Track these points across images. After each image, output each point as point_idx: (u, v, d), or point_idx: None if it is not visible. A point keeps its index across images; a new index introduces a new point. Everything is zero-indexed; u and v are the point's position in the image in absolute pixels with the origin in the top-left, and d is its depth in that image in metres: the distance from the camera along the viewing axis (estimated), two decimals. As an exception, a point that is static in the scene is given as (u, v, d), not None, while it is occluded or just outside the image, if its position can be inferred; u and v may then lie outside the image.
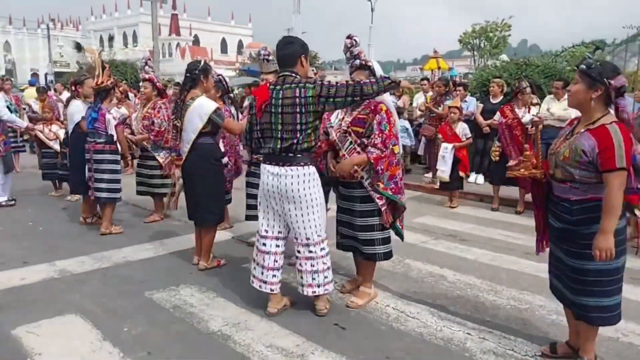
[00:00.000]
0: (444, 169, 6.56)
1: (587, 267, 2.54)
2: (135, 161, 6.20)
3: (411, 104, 9.68)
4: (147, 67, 5.63)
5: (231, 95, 5.87)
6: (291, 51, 3.18)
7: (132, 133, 5.68)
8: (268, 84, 3.28)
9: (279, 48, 3.22)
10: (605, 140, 2.39)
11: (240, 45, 62.40)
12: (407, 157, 9.03)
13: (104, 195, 5.20)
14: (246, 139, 3.58)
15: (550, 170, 2.70)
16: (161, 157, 5.55)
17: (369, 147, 3.28)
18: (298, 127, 3.11)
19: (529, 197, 3.15)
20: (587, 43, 10.63)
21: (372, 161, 3.24)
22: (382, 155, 3.25)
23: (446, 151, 6.55)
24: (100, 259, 4.50)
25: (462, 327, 3.28)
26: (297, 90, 3.07)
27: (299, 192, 3.18)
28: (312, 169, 3.25)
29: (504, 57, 17.96)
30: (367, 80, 3.17)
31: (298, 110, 3.08)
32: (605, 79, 2.43)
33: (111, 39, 29.98)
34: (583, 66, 2.50)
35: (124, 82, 12.09)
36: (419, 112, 9.08)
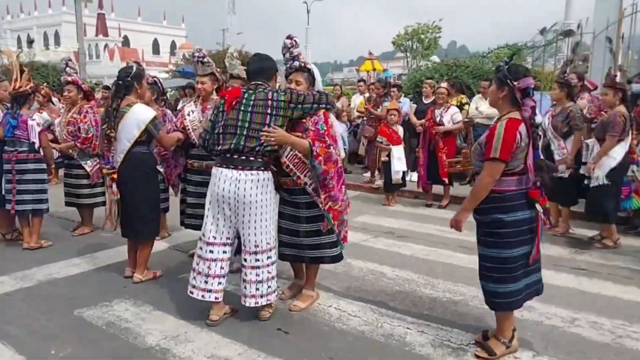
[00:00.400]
0: (399, 171, 6.71)
1: (486, 253, 2.81)
2: (61, 170, 5.84)
3: (349, 105, 9.83)
4: (68, 69, 5.25)
5: (166, 97, 5.70)
6: (269, 66, 3.36)
7: (56, 140, 5.34)
8: (240, 87, 3.38)
9: (256, 61, 3.39)
10: (491, 134, 2.69)
11: (173, 46, 60.65)
12: (346, 157, 9.16)
13: (29, 207, 4.86)
14: (204, 139, 3.44)
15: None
16: (88, 165, 5.24)
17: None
18: (266, 127, 3.14)
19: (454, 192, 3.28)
20: (510, 45, 11.25)
21: (310, 142, 3.18)
22: (320, 139, 3.21)
23: (399, 153, 6.72)
24: (23, 277, 4.18)
25: (402, 322, 3.37)
26: (270, 94, 3.19)
27: (255, 197, 3.16)
28: (269, 174, 3.24)
29: (435, 58, 18.66)
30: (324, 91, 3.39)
31: (269, 112, 3.15)
32: (509, 81, 2.70)
33: (31, 42, 27.99)
34: (495, 69, 2.86)
35: (44, 84, 11.41)
36: (356, 114, 9.24)
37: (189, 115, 4.41)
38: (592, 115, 5.70)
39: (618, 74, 6.93)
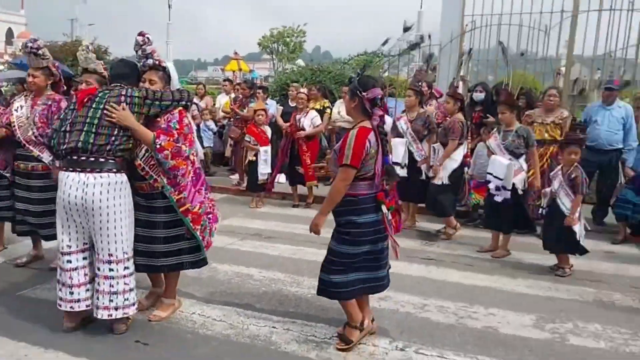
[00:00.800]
0: (265, 172, 6.69)
1: (335, 248, 3.00)
2: None
3: (214, 104, 9.62)
4: None
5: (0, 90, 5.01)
6: (131, 71, 3.25)
7: None
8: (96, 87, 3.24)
9: (121, 65, 3.34)
10: (344, 142, 2.87)
11: (10, 34, 53.56)
12: (210, 158, 8.95)
13: None
14: (50, 138, 3.15)
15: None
16: None
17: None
18: (117, 125, 2.94)
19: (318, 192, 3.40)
20: (369, 53, 12.00)
21: (155, 134, 3.01)
22: (166, 133, 3.05)
23: (266, 154, 6.69)
24: None
25: (268, 322, 3.38)
26: (124, 91, 3.06)
27: (106, 202, 2.91)
28: (123, 177, 3.00)
29: (301, 62, 19.11)
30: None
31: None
32: (359, 92, 2.89)
33: None
34: (348, 80, 3.03)
35: None
36: (222, 114, 9.07)
37: (17, 110, 3.99)
38: (438, 120, 6.31)
39: (460, 84, 7.81)
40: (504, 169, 4.76)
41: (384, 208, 2.95)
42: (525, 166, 4.84)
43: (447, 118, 5.76)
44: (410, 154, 5.73)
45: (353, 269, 2.98)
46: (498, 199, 4.84)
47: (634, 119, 6.08)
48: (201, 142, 8.04)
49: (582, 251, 4.46)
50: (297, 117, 6.80)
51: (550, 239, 4.53)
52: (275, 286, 4.04)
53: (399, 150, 5.73)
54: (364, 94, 2.87)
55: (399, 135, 5.79)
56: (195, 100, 8.68)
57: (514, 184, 4.76)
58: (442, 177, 5.39)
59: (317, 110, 7.23)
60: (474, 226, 5.98)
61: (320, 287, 3.05)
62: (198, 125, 8.09)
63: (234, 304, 3.67)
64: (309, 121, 6.79)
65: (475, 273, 4.48)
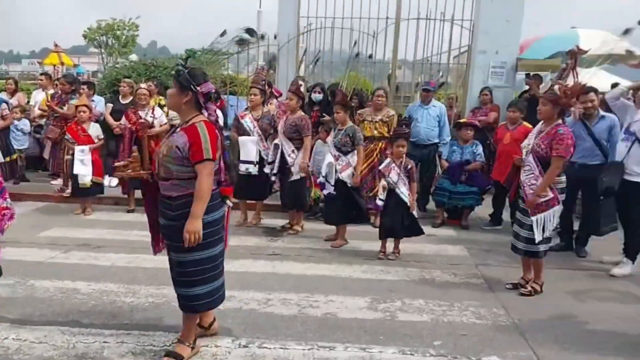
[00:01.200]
0: (84, 174, 6.01)
1: (187, 258, 2.74)
2: None
3: (28, 102, 8.45)
4: None
5: None
6: None
7: None
8: None
9: None
10: (194, 136, 2.66)
11: None
12: (22, 162, 7.82)
13: None
14: None
15: (156, 169, 2.82)
16: None
17: None
18: None
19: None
20: (207, 50, 11.72)
21: None
22: None
23: (83, 154, 6.02)
24: None
25: (99, 337, 3.07)
26: None
27: None
28: None
29: (134, 57, 17.88)
30: None
31: None
32: (192, 86, 2.71)
33: None
34: (174, 73, 2.77)
35: None
36: (38, 112, 8.02)
37: None
38: (279, 117, 6.41)
39: (301, 83, 8.06)
40: (326, 167, 5.16)
41: (229, 202, 2.87)
42: (353, 162, 5.16)
43: (288, 116, 5.86)
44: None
45: (217, 273, 2.83)
46: (325, 192, 5.22)
47: (447, 117, 6.94)
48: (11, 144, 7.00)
49: (422, 232, 4.96)
50: (141, 113, 6.29)
51: (396, 226, 4.85)
52: (107, 298, 3.68)
53: (249, 148, 5.67)
54: (198, 88, 2.71)
55: (246, 133, 5.74)
56: (3, 97, 7.53)
57: (340, 179, 5.09)
58: (297, 172, 5.50)
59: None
60: (315, 219, 6.22)
61: (181, 302, 2.84)
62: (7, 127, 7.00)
63: (58, 322, 3.26)
64: (158, 118, 6.36)
65: (317, 264, 4.65)
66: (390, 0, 7.91)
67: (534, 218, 3.89)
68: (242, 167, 5.65)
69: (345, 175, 5.09)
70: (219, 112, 6.31)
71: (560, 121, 3.88)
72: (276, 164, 5.59)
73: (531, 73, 8.17)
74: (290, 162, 5.52)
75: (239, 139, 5.73)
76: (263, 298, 3.78)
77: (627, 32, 5.16)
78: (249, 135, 5.70)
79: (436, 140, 6.64)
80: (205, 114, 2.78)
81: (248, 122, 5.75)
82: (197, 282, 2.77)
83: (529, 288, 4.03)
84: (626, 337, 3.36)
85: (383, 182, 4.91)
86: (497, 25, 7.62)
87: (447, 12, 7.87)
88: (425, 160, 6.65)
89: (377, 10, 7.98)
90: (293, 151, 5.54)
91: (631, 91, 4.53)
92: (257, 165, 5.63)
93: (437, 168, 6.75)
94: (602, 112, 4.95)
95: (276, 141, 5.65)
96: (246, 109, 6.06)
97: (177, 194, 2.71)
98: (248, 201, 5.96)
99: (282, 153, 5.56)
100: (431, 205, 6.59)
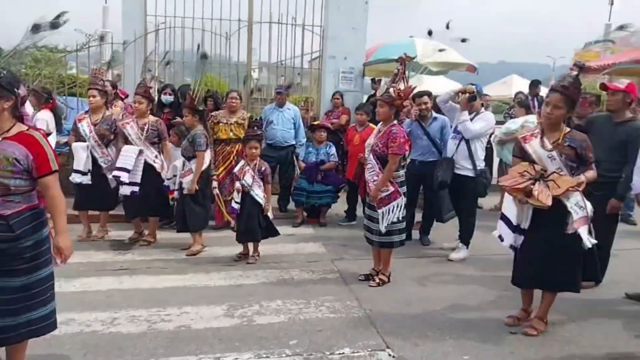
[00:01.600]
0: None
1: (30, 281, 2.47)
2: None
3: None
4: None
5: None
6: None
7: None
8: None
9: None
10: (36, 147, 2.43)
11: None
12: None
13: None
14: None
15: None
16: None
17: None
18: None
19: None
20: (50, 47, 10.50)
21: None
22: None
23: None
24: None
25: None
26: None
27: None
28: None
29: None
30: None
31: None
32: (15, 89, 2.46)
33: None
34: None
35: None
36: None
37: None
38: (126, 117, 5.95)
39: (151, 85, 7.58)
40: (172, 168, 5.09)
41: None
42: (194, 168, 4.94)
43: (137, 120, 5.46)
44: (95, 159, 5.23)
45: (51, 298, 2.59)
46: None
47: (304, 119, 7.09)
48: None
49: (277, 232, 4.94)
50: None
51: (252, 229, 4.76)
52: None
53: (80, 155, 5.16)
54: (19, 91, 2.47)
55: (82, 139, 5.22)
56: None
57: (182, 184, 4.95)
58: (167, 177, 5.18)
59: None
60: (170, 228, 5.89)
61: (32, 328, 2.51)
62: None
63: None
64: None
65: (169, 275, 4.39)
66: (242, 3, 7.87)
67: (379, 211, 4.14)
68: (74, 177, 5.16)
69: (185, 181, 4.93)
70: (48, 115, 5.73)
71: (395, 121, 4.18)
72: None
73: (376, 78, 8.76)
74: (158, 167, 5.18)
75: (72, 145, 5.21)
76: (108, 317, 3.45)
77: (464, 40, 5.85)
78: (84, 141, 5.22)
79: (293, 142, 6.74)
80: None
81: (84, 126, 5.25)
82: (43, 302, 2.53)
83: (377, 280, 4.27)
84: (461, 315, 3.72)
85: (237, 185, 4.82)
86: (344, 32, 8.01)
87: (299, 18, 8.09)
88: (284, 161, 6.72)
89: (229, 12, 7.89)
90: (156, 156, 5.20)
91: (458, 95, 5.06)
92: (87, 174, 5.17)
93: (295, 169, 6.87)
94: (434, 114, 5.47)
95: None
96: (86, 111, 5.53)
97: (12, 212, 2.39)
98: (90, 212, 5.44)
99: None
100: (292, 205, 6.68)
